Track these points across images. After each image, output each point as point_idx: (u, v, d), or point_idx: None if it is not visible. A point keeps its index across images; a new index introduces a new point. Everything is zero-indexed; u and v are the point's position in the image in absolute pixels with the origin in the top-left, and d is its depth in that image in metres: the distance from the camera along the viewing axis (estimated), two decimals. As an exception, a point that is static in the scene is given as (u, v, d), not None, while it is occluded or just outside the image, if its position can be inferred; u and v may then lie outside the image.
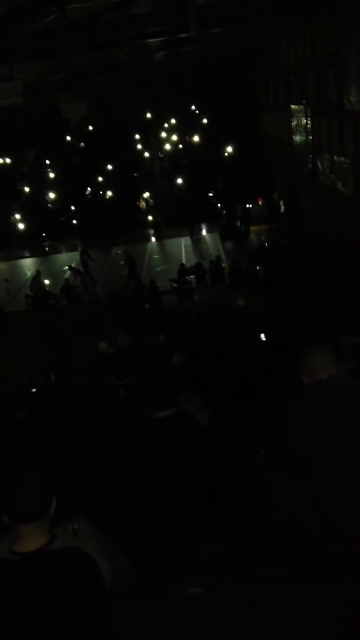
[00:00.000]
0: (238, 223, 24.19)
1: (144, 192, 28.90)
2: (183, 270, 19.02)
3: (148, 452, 3.38)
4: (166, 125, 30.93)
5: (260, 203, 24.13)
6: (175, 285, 18.67)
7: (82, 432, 3.68)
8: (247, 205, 24.71)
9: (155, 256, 24.22)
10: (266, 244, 21.19)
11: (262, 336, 8.32)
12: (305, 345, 3.00)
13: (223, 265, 19.88)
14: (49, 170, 29.43)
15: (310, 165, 18.76)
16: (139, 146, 30.99)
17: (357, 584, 2.43)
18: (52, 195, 28.82)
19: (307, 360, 2.88)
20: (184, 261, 21.19)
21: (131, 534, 2.82)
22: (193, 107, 30.97)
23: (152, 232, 26.66)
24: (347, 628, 2.21)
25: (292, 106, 20.47)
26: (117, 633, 1.97)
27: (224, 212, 25.09)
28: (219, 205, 26.29)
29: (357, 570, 2.47)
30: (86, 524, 2.28)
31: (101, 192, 28.85)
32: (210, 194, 27.51)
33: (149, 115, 30.50)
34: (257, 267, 18.48)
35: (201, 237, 25.62)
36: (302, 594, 2.40)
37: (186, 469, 3.24)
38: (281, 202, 23.15)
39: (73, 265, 22.05)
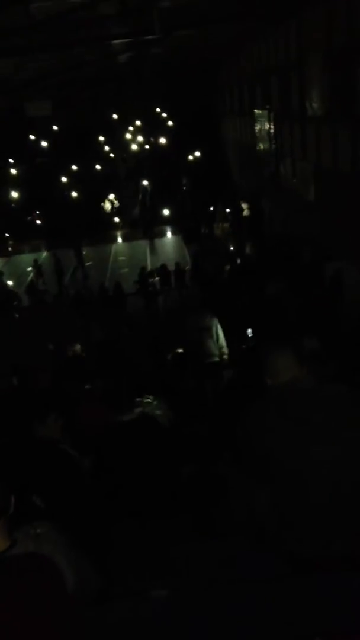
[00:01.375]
0: (202, 226, 24.34)
1: (109, 194, 28.80)
2: (145, 273, 19.02)
3: (113, 455, 3.37)
4: (131, 127, 30.90)
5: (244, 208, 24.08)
6: (139, 287, 18.66)
7: (48, 437, 3.63)
8: (211, 208, 24.87)
9: (120, 258, 24.16)
10: (230, 247, 21.37)
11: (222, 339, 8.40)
12: (268, 347, 3.04)
13: (187, 267, 19.96)
14: (12, 169, 29.06)
15: (273, 170, 18.99)
16: (105, 147, 30.88)
17: (318, 584, 2.46)
18: (15, 195, 28.46)
19: (270, 362, 2.92)
20: (148, 263, 21.21)
21: (94, 537, 2.80)
22: (158, 110, 31.00)
23: (121, 232, 26.68)
24: (312, 630, 2.24)
25: (256, 111, 20.69)
26: (79, 638, 1.96)
27: (189, 215, 25.20)
28: (183, 207, 26.41)
29: (317, 571, 2.51)
30: (48, 528, 2.26)
31: (66, 193, 28.63)
32: (177, 196, 27.62)
33: (114, 116, 30.41)
34: (221, 270, 18.61)
35: (165, 240, 25.69)
36: (265, 596, 2.43)
37: (151, 472, 3.24)
38: (244, 206, 23.40)
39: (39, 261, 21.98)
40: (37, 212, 27.82)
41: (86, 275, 21.65)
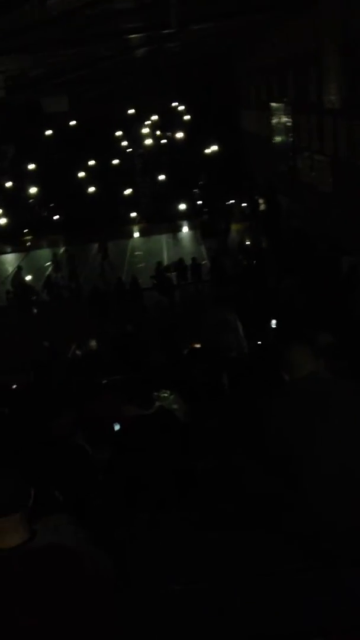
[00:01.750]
0: (219, 220, 24.24)
1: (126, 189, 28.85)
2: (161, 268, 19.03)
3: (132, 448, 3.39)
4: (148, 121, 30.85)
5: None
6: (155, 282, 18.68)
7: (62, 432, 3.67)
8: (228, 203, 24.77)
9: (137, 252, 24.20)
10: (247, 242, 21.29)
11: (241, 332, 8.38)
12: (285, 343, 3.05)
13: (204, 262, 19.93)
14: (29, 165, 29.21)
15: (290, 163, 18.87)
16: (121, 142, 30.88)
17: (337, 578, 2.47)
18: (33, 190, 28.63)
19: (287, 357, 2.93)
20: (165, 258, 21.23)
21: (110, 530, 2.83)
22: (174, 104, 30.91)
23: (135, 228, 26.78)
24: (322, 623, 2.24)
25: (273, 104, 20.54)
26: (99, 627, 1.98)
27: (205, 209, 25.13)
28: (200, 202, 26.36)
29: (337, 564, 2.52)
30: (67, 521, 2.30)
31: (83, 188, 28.74)
32: (194, 191, 27.57)
33: (130, 111, 30.38)
34: (239, 264, 18.57)
35: (182, 234, 25.67)
36: (281, 590, 2.44)
37: (170, 465, 3.27)
38: (261, 200, 23.27)
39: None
40: (54, 206, 27.97)
41: (104, 270, 21.79)
